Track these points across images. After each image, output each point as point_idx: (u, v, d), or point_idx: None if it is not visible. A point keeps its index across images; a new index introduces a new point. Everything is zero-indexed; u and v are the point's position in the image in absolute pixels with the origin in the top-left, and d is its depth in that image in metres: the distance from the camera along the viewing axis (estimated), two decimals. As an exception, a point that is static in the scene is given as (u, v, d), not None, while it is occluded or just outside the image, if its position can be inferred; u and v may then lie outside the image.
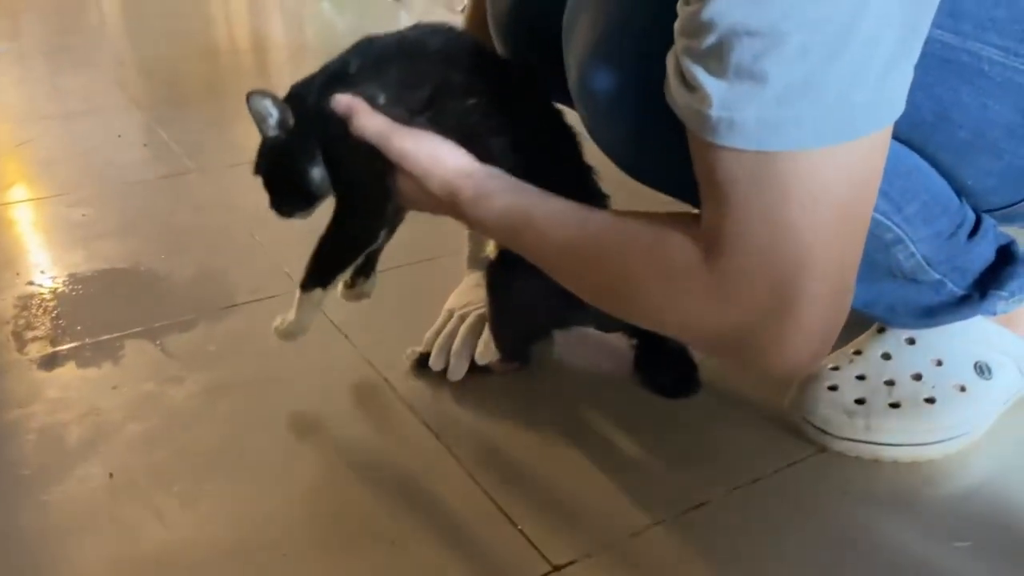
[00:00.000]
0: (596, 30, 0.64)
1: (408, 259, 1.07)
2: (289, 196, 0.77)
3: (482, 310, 0.92)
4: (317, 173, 0.74)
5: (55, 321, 1.02)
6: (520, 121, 0.74)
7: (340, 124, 0.71)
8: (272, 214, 0.78)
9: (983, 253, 0.76)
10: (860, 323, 0.79)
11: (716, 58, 0.49)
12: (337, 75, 0.74)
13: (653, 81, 0.57)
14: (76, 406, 0.86)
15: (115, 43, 2.83)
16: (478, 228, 0.75)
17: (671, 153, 0.57)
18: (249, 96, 0.72)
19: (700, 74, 0.51)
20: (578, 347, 0.94)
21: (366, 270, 0.85)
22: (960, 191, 0.71)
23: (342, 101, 0.71)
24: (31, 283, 1.12)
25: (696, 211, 0.58)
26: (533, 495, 0.74)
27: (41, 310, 1.05)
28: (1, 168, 1.60)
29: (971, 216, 0.73)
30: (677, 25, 0.53)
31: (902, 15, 0.49)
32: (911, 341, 0.79)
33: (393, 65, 0.74)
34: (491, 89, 0.74)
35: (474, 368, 0.88)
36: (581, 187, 0.77)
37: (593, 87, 0.64)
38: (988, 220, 0.75)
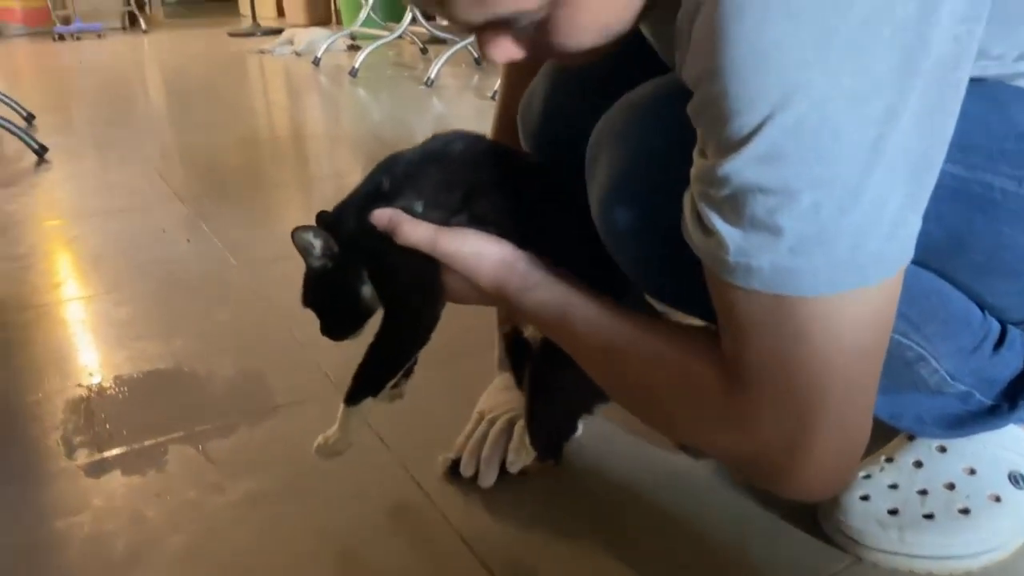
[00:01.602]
0: (616, 164, 0.67)
1: (441, 357, 1.10)
2: (341, 320, 0.80)
3: (511, 414, 0.93)
4: (367, 292, 0.78)
5: (102, 425, 1.06)
6: (547, 211, 0.77)
7: (383, 239, 0.74)
8: (309, 314, 0.80)
9: (1010, 363, 0.76)
10: (891, 428, 0.79)
11: (732, 208, 0.52)
12: (372, 195, 0.77)
13: (670, 217, 0.59)
14: (122, 515, 0.89)
15: (160, 134, 2.95)
16: (522, 317, 0.79)
17: (689, 281, 0.60)
18: (293, 233, 0.76)
19: (717, 221, 0.53)
20: (609, 443, 0.95)
21: (406, 370, 0.86)
22: (982, 305, 0.72)
23: (383, 216, 0.74)
24: (80, 385, 1.16)
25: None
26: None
27: (89, 414, 1.09)
28: (52, 265, 1.67)
29: (996, 328, 0.74)
30: (693, 172, 0.55)
31: (909, 172, 0.51)
32: (942, 449, 0.79)
33: (423, 174, 0.77)
34: (516, 184, 0.78)
35: (505, 471, 0.90)
36: (606, 269, 0.76)
37: (613, 221, 0.67)
38: (1014, 331, 0.76)
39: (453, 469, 0.92)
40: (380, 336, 0.79)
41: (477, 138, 0.82)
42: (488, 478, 0.89)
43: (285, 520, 0.87)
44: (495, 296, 0.74)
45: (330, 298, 0.79)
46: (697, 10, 0.51)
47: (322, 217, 0.79)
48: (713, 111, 0.51)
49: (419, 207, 0.75)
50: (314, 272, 0.78)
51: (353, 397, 0.80)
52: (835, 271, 0.52)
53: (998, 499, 0.77)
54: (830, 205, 0.50)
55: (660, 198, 0.62)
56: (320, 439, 0.82)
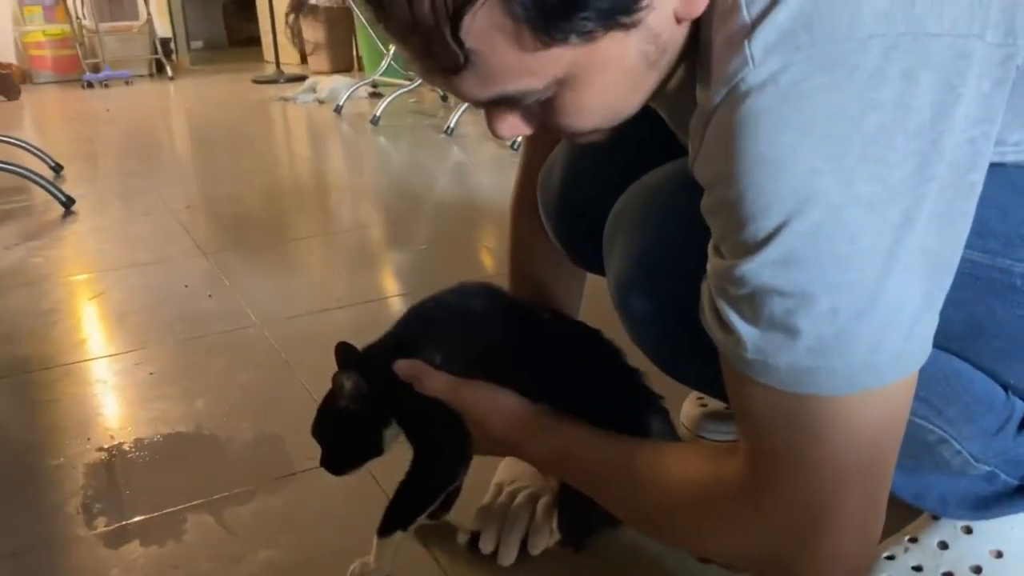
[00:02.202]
0: (632, 251, 0.68)
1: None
2: (349, 457, 0.84)
3: (531, 489, 0.93)
4: (388, 434, 0.82)
5: (122, 492, 1.06)
6: (560, 358, 0.82)
7: (411, 386, 0.79)
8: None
9: (1036, 443, 0.75)
10: (914, 507, 0.78)
11: (749, 307, 0.52)
12: (395, 343, 0.83)
13: (687, 302, 0.60)
14: (139, 588, 0.89)
15: (184, 184, 2.99)
16: (536, 465, 0.84)
17: (705, 363, 0.60)
18: (334, 377, 0.81)
19: (734, 318, 0.53)
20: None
21: (446, 503, 0.91)
22: (1005, 386, 0.71)
23: (405, 367, 0.79)
24: (101, 448, 1.17)
25: (722, 444, 0.61)
26: None
27: (109, 479, 1.09)
28: (77, 321, 1.69)
29: (1020, 408, 0.73)
30: (710, 268, 0.56)
31: (925, 274, 0.51)
32: (968, 530, 0.78)
33: (442, 327, 0.83)
34: (531, 337, 0.83)
35: (525, 549, 0.89)
36: (630, 397, 0.83)
37: (631, 306, 0.68)
38: (1040, 411, 0.75)
39: (472, 543, 0.91)
40: (411, 475, 0.83)
41: (497, 293, 0.88)
42: (508, 557, 0.89)
43: (302, 595, 0.87)
44: (508, 445, 0.79)
45: (347, 436, 0.83)
46: (712, 115, 0.52)
47: (347, 354, 0.83)
48: (728, 214, 0.52)
49: (438, 359, 0.80)
50: (337, 410, 0.82)
51: (385, 530, 0.83)
52: (852, 372, 0.52)
53: (1026, 583, 0.75)
54: (848, 309, 0.50)
55: (676, 284, 0.63)
56: (356, 565, 0.84)
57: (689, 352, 0.64)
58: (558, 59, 0.53)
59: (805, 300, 0.50)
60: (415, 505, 0.84)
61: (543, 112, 0.60)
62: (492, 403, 0.78)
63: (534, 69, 0.54)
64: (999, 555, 0.76)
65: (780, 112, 0.49)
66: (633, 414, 0.81)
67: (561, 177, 0.90)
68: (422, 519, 0.90)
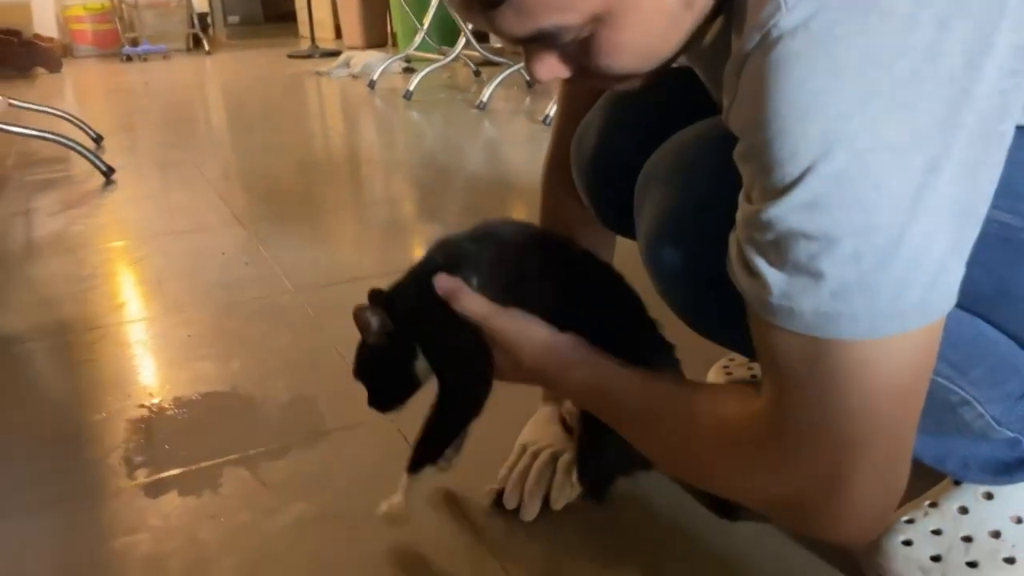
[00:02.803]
0: (662, 207, 0.69)
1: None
2: (391, 393, 0.85)
3: (553, 448, 0.95)
4: (419, 367, 0.82)
5: (161, 446, 1.10)
6: (587, 293, 0.82)
7: (439, 315, 0.78)
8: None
9: (1059, 411, 0.75)
10: (936, 472, 0.79)
11: (775, 252, 0.53)
12: (428, 271, 0.80)
13: (715, 258, 0.61)
14: (178, 536, 0.92)
15: (221, 156, 3.04)
16: (563, 396, 0.84)
17: (732, 318, 0.61)
18: (355, 312, 0.80)
19: (761, 264, 0.54)
20: (653, 481, 0.95)
21: (457, 441, 0.91)
22: (1034, 352, 0.72)
23: (445, 281, 0.78)
24: (141, 406, 1.21)
25: (751, 384, 0.61)
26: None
27: (149, 434, 1.13)
28: (116, 286, 1.74)
29: (1047, 375, 0.73)
30: (739, 215, 0.57)
31: (951, 222, 0.52)
32: (989, 496, 0.79)
33: (478, 252, 0.81)
34: (559, 267, 0.83)
35: (548, 505, 0.91)
36: (646, 342, 0.83)
37: (660, 260, 0.69)
38: (1065, 378, 0.75)
39: (497, 500, 0.93)
40: (436, 409, 0.83)
41: (525, 225, 0.87)
42: (531, 511, 0.91)
43: (335, 545, 0.90)
44: (537, 375, 0.78)
45: (382, 372, 0.84)
46: (745, 61, 0.53)
47: (376, 294, 0.84)
48: (758, 159, 0.53)
49: (475, 282, 0.79)
50: (369, 348, 0.83)
51: (415, 466, 0.85)
52: (875, 317, 0.52)
53: (1046, 549, 0.76)
54: (871, 253, 0.51)
55: (706, 240, 0.63)
56: (384, 505, 0.86)
57: (717, 308, 0.65)
58: None
59: (829, 244, 0.51)
60: (442, 438, 0.85)
61: (581, 52, 0.60)
62: (525, 332, 0.77)
63: (571, 4, 0.55)
64: (1019, 520, 0.77)
65: (811, 56, 0.50)
66: (647, 360, 0.80)
67: (596, 138, 0.91)
68: (441, 465, 0.90)
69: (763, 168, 0.53)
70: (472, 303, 0.77)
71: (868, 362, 0.54)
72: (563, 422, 0.99)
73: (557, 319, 0.78)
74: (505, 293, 0.78)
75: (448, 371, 0.82)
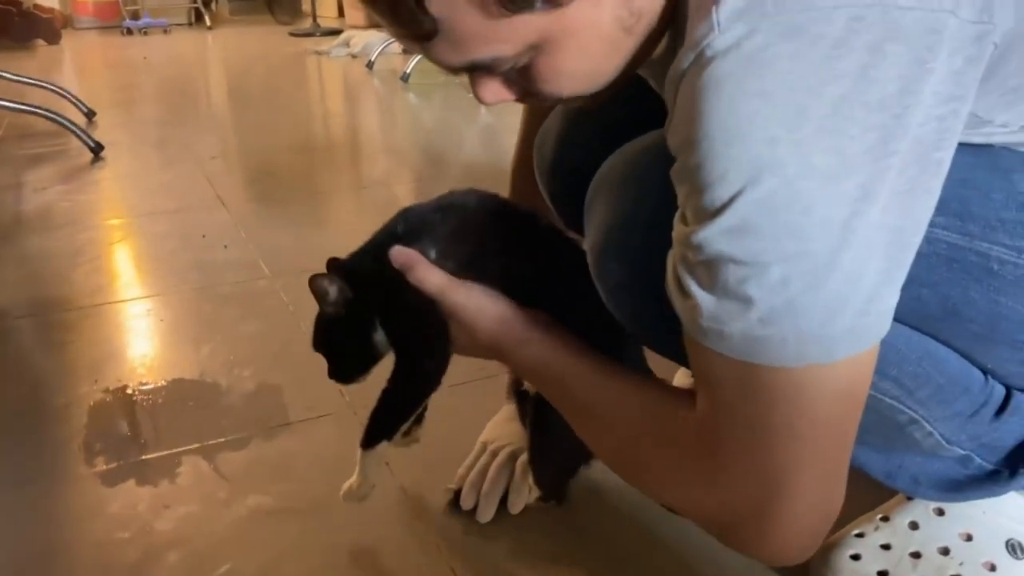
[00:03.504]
0: (608, 220, 0.68)
1: (450, 383, 1.11)
2: (350, 364, 0.82)
3: (512, 447, 0.94)
4: (378, 338, 0.80)
5: (123, 433, 1.10)
6: (549, 268, 0.80)
7: (397, 286, 0.76)
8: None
9: (1014, 429, 0.74)
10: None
11: (706, 274, 0.52)
12: (387, 240, 0.79)
13: (658, 271, 0.60)
14: (132, 525, 0.92)
15: (214, 135, 3.02)
16: (517, 371, 0.83)
17: (674, 331, 0.60)
18: (311, 280, 0.78)
19: (692, 285, 0.54)
20: (612, 483, 0.95)
21: (419, 416, 0.89)
22: (984, 371, 0.71)
23: (401, 254, 0.76)
24: (107, 391, 1.20)
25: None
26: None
27: (111, 421, 1.13)
28: (96, 267, 1.73)
29: (999, 393, 0.72)
30: (674, 235, 0.56)
31: (884, 250, 0.51)
32: (940, 512, 0.78)
33: (438, 223, 0.79)
34: (522, 241, 0.81)
35: (505, 505, 0.91)
36: (606, 328, 0.77)
37: (605, 272, 0.68)
38: (1020, 396, 0.74)
39: (455, 500, 0.93)
40: (392, 382, 0.81)
41: (491, 196, 0.84)
42: (486, 514, 0.90)
43: (286, 538, 0.89)
44: (492, 350, 0.77)
45: (341, 343, 0.82)
46: (680, 80, 0.52)
47: (335, 263, 0.82)
48: (690, 180, 0.52)
49: (432, 254, 0.77)
50: (327, 318, 0.81)
51: (369, 441, 0.82)
52: (803, 344, 0.52)
53: (993, 568, 0.75)
54: (800, 279, 0.50)
55: (649, 254, 0.63)
56: (345, 486, 0.85)
57: (661, 321, 0.64)
58: (527, 25, 0.53)
59: (758, 269, 0.50)
60: (399, 414, 0.83)
61: (522, 78, 0.60)
62: (482, 306, 0.75)
63: (503, 36, 0.54)
64: (968, 538, 0.76)
65: (741, 79, 0.49)
66: (609, 335, 0.77)
67: (555, 141, 0.90)
68: (398, 439, 0.88)
69: (694, 189, 0.52)
70: (428, 276, 0.75)
71: (796, 388, 0.53)
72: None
73: (517, 294, 0.76)
74: (465, 266, 0.77)
75: (405, 343, 0.80)
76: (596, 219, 0.70)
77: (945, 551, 0.76)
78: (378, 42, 4.39)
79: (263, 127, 3.02)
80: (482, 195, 0.83)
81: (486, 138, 2.93)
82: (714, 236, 0.51)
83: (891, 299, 0.53)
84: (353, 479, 0.84)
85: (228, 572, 0.85)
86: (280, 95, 3.79)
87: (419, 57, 3.81)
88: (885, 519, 0.80)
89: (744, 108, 0.49)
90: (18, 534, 0.92)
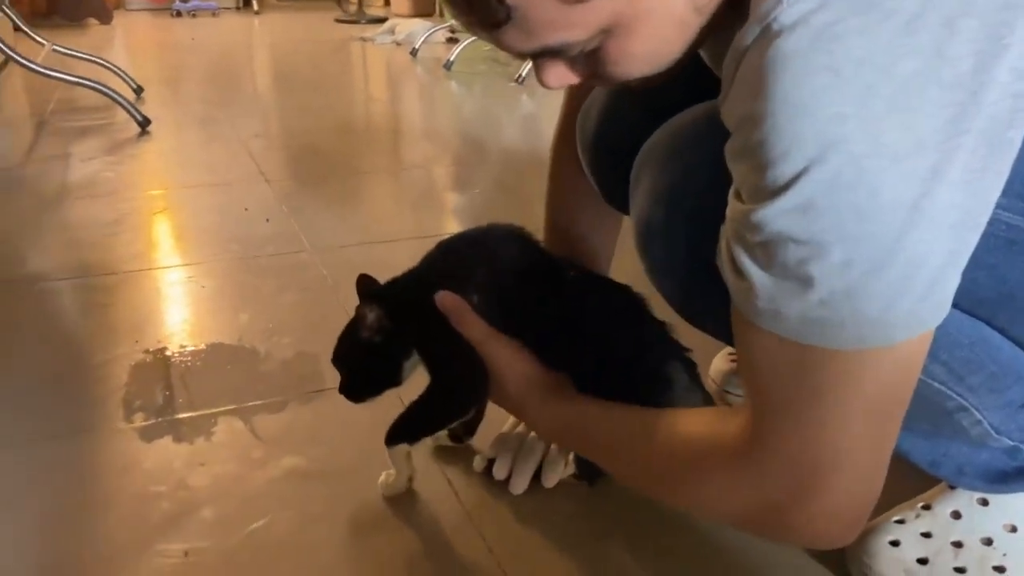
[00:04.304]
0: (656, 192, 0.67)
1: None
2: (369, 385, 0.86)
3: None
4: (408, 366, 0.84)
5: (161, 392, 1.11)
6: (585, 316, 0.82)
7: (443, 325, 0.80)
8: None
9: (1066, 421, 0.73)
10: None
11: (764, 254, 0.51)
12: (431, 279, 0.83)
13: (706, 247, 0.59)
14: (167, 479, 0.93)
15: (258, 115, 3.05)
16: (538, 431, 0.87)
17: (719, 307, 0.60)
18: (357, 308, 0.83)
19: (749, 265, 0.53)
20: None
21: (469, 426, 0.94)
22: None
23: (449, 301, 0.80)
24: (147, 351, 1.22)
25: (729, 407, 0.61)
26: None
27: (150, 380, 1.14)
28: (139, 234, 1.75)
29: (1052, 384, 0.71)
30: (728, 212, 0.55)
31: (951, 231, 0.49)
32: (984, 502, 0.76)
33: (478, 269, 0.83)
34: (557, 292, 0.84)
35: (537, 480, 0.90)
36: (656, 351, 0.82)
37: (650, 245, 0.68)
38: (1074, 387, 0.72)
39: (487, 469, 0.93)
40: (425, 399, 0.85)
41: (527, 241, 0.87)
42: (519, 486, 0.90)
43: (318, 501, 0.90)
44: (517, 407, 0.83)
45: (367, 366, 0.85)
46: (743, 55, 0.51)
47: (368, 285, 0.85)
48: (751, 157, 0.51)
49: (475, 299, 0.81)
50: (360, 340, 0.83)
51: (391, 440, 0.86)
52: (862, 327, 0.51)
53: (1038, 560, 0.73)
54: (863, 262, 0.49)
55: (698, 228, 0.62)
56: (383, 477, 0.89)
57: (706, 298, 0.64)
58: (600, 10, 0.53)
59: (820, 250, 0.49)
60: (422, 426, 0.87)
61: (589, 61, 0.59)
62: (511, 363, 0.80)
63: (576, 21, 0.53)
64: (1013, 529, 0.74)
65: (810, 53, 0.47)
66: (659, 368, 0.80)
67: (600, 114, 0.89)
68: (440, 440, 0.94)
69: (755, 167, 0.51)
70: (471, 325, 0.80)
71: (850, 372, 0.53)
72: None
73: (554, 346, 0.80)
74: (503, 316, 0.80)
75: (444, 373, 0.84)
76: (642, 192, 0.69)
77: (988, 541, 0.75)
78: (422, 31, 4.40)
79: (306, 109, 3.04)
80: (519, 237, 0.86)
81: (526, 127, 2.92)
82: (775, 215, 0.50)
83: (953, 283, 0.51)
84: (389, 474, 0.88)
85: (260, 528, 0.85)
86: (324, 79, 3.81)
87: (462, 46, 3.82)
88: (927, 507, 0.78)
89: (811, 84, 0.47)
90: (59, 484, 0.93)
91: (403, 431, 0.86)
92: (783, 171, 0.49)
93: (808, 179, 0.48)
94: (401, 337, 0.83)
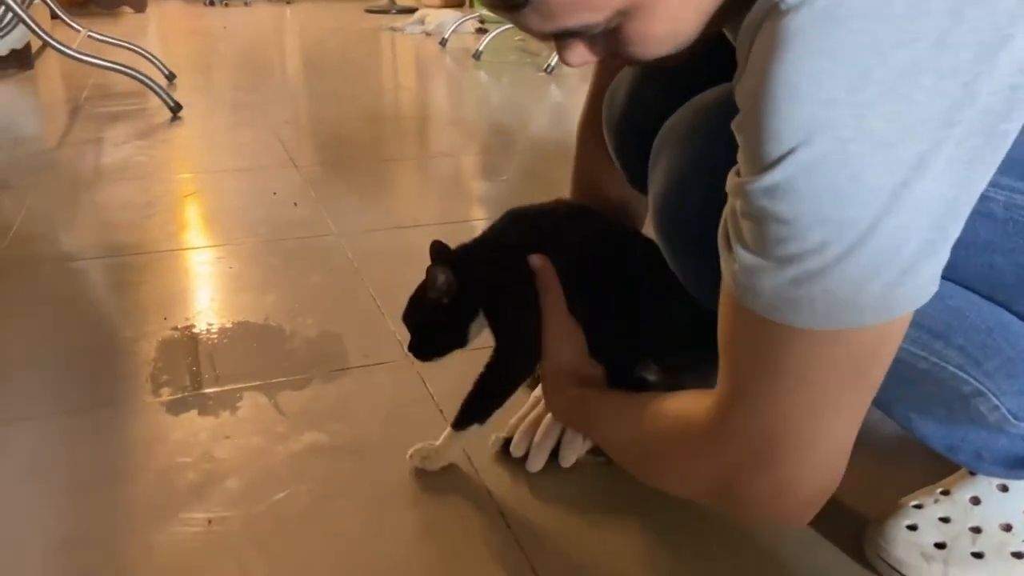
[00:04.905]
0: (673, 170, 0.68)
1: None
2: (436, 346, 0.89)
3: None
4: (474, 327, 0.87)
5: (188, 368, 1.13)
6: (647, 287, 0.85)
7: (518, 290, 0.86)
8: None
9: (1087, 407, 0.72)
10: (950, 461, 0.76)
11: (748, 229, 0.52)
12: (497, 243, 0.89)
13: (716, 226, 0.59)
14: (193, 451, 0.95)
15: (288, 102, 3.08)
16: (554, 413, 0.91)
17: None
18: (428, 269, 0.85)
19: (735, 239, 0.54)
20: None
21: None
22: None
23: (539, 260, 0.86)
24: (175, 328, 1.24)
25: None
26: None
27: (178, 356, 1.16)
28: (169, 216, 1.78)
29: (1072, 368, 0.70)
30: (727, 187, 0.55)
31: (930, 222, 0.49)
32: (1004, 488, 0.76)
33: (548, 237, 0.87)
34: (621, 263, 0.87)
35: (553, 460, 0.91)
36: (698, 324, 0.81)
37: (666, 223, 0.68)
38: (1093, 373, 0.71)
39: (504, 448, 0.94)
40: (491, 369, 0.87)
41: (594, 216, 0.92)
42: (537, 463, 0.91)
43: (339, 475, 0.91)
44: (542, 376, 0.89)
45: (435, 326, 0.88)
46: (756, 30, 0.51)
47: (440, 249, 0.88)
48: (747, 132, 0.52)
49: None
50: (428, 301, 0.86)
51: (461, 423, 0.88)
52: (832, 308, 0.51)
53: (1057, 547, 0.73)
54: (837, 245, 0.49)
55: (710, 207, 0.62)
56: (419, 445, 0.90)
57: (715, 277, 0.64)
58: None
59: (797, 230, 0.49)
60: (495, 399, 0.88)
61: (609, 41, 0.60)
62: (563, 341, 0.84)
63: (593, 4, 0.54)
64: (1033, 516, 0.74)
65: (811, 36, 0.47)
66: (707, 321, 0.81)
67: (626, 96, 0.89)
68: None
69: (750, 143, 0.51)
70: (552, 293, 0.84)
71: (818, 350, 0.53)
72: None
73: (611, 321, 0.84)
74: (568, 284, 0.84)
75: (510, 339, 0.87)
76: (661, 170, 0.70)
77: (1007, 527, 0.74)
78: (452, 21, 4.41)
79: (336, 97, 3.07)
80: (588, 213, 0.91)
81: (554, 116, 2.92)
82: (759, 191, 0.50)
83: (930, 271, 0.51)
84: (431, 445, 0.90)
85: (283, 499, 0.87)
86: (354, 68, 3.84)
87: (491, 36, 3.83)
88: (945, 492, 0.78)
89: (808, 67, 0.47)
90: (87, 455, 0.95)
91: (474, 410, 0.88)
92: (770, 150, 0.49)
93: (792, 160, 0.48)
94: (469, 299, 0.86)
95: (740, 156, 0.53)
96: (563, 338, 0.85)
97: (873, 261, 0.49)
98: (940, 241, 0.50)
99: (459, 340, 0.88)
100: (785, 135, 0.48)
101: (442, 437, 0.89)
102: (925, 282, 0.51)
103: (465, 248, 0.89)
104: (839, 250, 0.49)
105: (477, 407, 0.88)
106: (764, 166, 0.50)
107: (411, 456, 0.90)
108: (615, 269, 0.87)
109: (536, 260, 0.84)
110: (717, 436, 0.60)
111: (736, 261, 0.53)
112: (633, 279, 0.86)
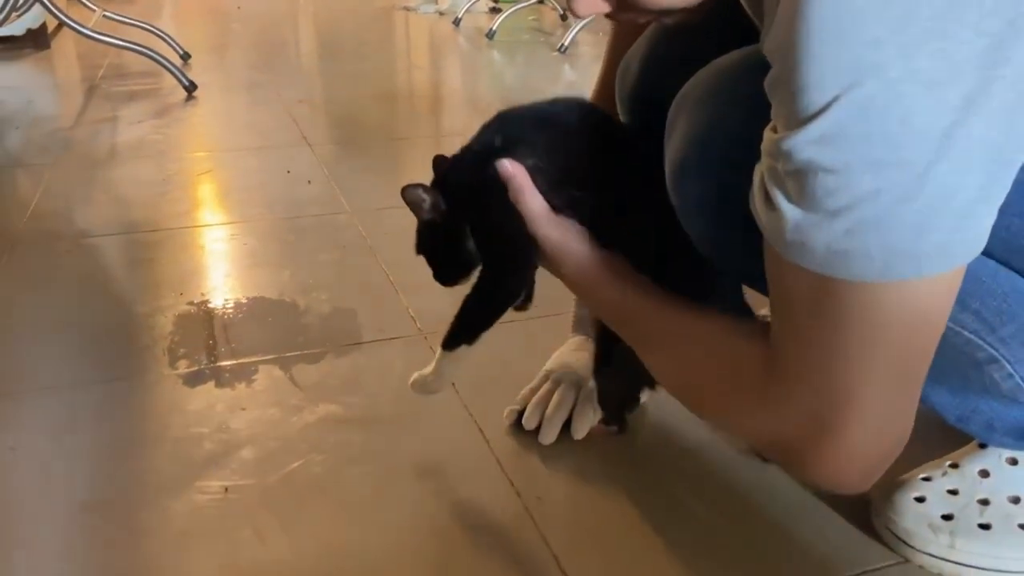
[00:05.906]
0: (689, 134, 0.67)
1: (521, 316, 1.12)
2: (449, 268, 0.83)
3: (578, 376, 0.95)
4: (471, 246, 0.81)
5: (204, 341, 1.15)
6: (646, 193, 0.77)
7: (490, 199, 0.77)
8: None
9: (1101, 378, 0.72)
10: (961, 433, 0.77)
11: (794, 185, 0.51)
12: (485, 152, 0.78)
13: (738, 190, 0.59)
14: (208, 422, 0.96)
15: (302, 81, 3.08)
16: (592, 311, 0.86)
17: (749, 253, 0.60)
18: (403, 190, 0.79)
19: (779, 197, 0.53)
20: (674, 419, 0.95)
21: (528, 295, 0.88)
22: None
23: (507, 167, 0.76)
24: (191, 303, 1.25)
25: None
26: (597, 564, 0.76)
27: (194, 329, 1.18)
28: (186, 193, 1.79)
29: (1087, 338, 0.70)
30: (763, 145, 0.55)
31: (983, 166, 0.49)
32: (1013, 461, 0.76)
33: (536, 137, 0.79)
34: (620, 165, 0.80)
35: (565, 432, 0.92)
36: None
37: (682, 188, 0.68)
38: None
39: (516, 421, 0.94)
40: (476, 288, 0.82)
41: (596, 112, 0.84)
42: (549, 435, 0.92)
43: (352, 446, 0.92)
44: (573, 286, 0.80)
45: (438, 249, 0.83)
46: None
47: (439, 162, 0.83)
48: (785, 85, 0.50)
49: (530, 163, 0.76)
50: (426, 223, 0.82)
51: (449, 343, 0.83)
52: (890, 258, 0.50)
53: (1065, 520, 0.73)
54: (892, 191, 0.49)
55: (731, 171, 0.62)
56: (417, 375, 0.86)
57: (736, 242, 0.64)
58: None
59: (848, 178, 0.49)
60: (479, 321, 0.83)
61: None
62: (567, 245, 0.77)
63: None
64: (1041, 489, 0.74)
65: None
66: (703, 270, 0.77)
67: (639, 67, 0.89)
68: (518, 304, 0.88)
69: (789, 95, 0.50)
70: (528, 202, 0.76)
71: (877, 305, 0.52)
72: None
73: (604, 225, 0.77)
74: (555, 186, 0.77)
75: (488, 254, 0.81)
76: (677, 135, 0.70)
77: (1016, 500, 0.75)
78: (465, 0, 4.39)
79: (349, 76, 3.07)
80: (586, 109, 0.83)
81: (567, 95, 2.91)
82: (805, 143, 0.49)
83: (986, 219, 0.50)
84: (427, 370, 0.85)
85: (297, 469, 0.88)
86: (367, 47, 3.83)
87: (505, 15, 3.81)
88: (954, 465, 0.78)
89: (848, 7, 0.47)
90: (106, 426, 0.97)
91: (461, 331, 0.83)
92: (815, 98, 0.48)
93: (839, 105, 0.48)
94: (459, 215, 0.80)
95: (776, 113, 0.52)
96: (561, 237, 0.77)
97: (930, 207, 0.48)
98: (993, 187, 0.49)
99: (466, 261, 0.82)
100: (830, 80, 0.47)
101: (433, 361, 0.85)
102: (983, 230, 0.50)
103: (452, 160, 0.82)
104: (893, 196, 0.48)
105: (464, 329, 0.83)
106: (808, 116, 0.49)
107: (412, 386, 0.86)
108: (617, 162, 0.80)
109: (504, 165, 0.76)
110: (777, 399, 0.58)
111: (782, 218, 0.52)
112: (637, 172, 0.79)
